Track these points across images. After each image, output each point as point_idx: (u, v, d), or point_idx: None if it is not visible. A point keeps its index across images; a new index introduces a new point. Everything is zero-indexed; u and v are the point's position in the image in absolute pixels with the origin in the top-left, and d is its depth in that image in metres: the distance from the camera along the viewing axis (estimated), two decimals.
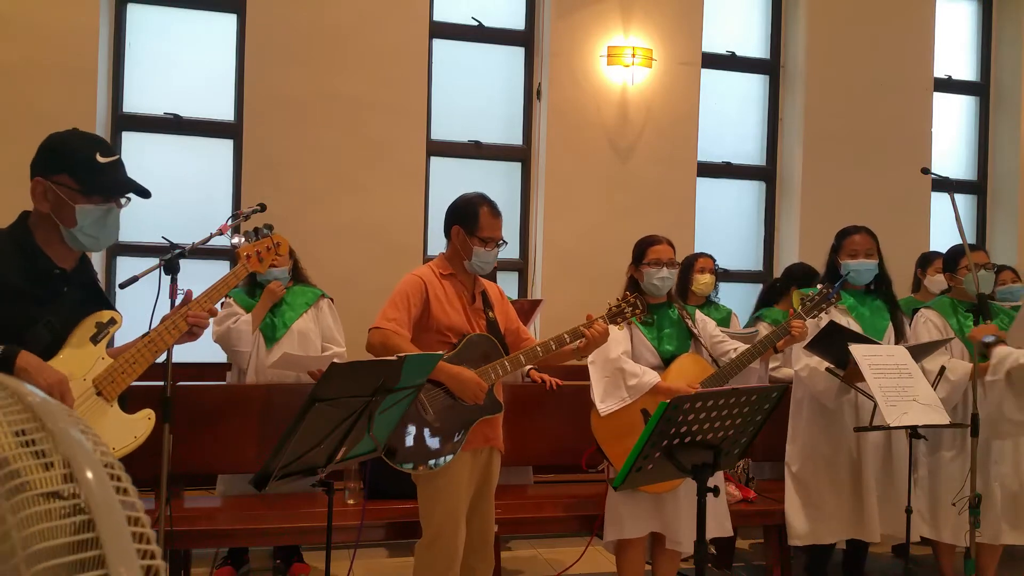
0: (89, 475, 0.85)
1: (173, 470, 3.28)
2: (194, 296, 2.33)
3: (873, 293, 3.85)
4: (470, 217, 3.09)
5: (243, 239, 2.50)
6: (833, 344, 3.43)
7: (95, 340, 2.11)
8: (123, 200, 2.17)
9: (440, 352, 2.88)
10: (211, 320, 2.36)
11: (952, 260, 4.02)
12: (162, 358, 2.39)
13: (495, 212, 3.12)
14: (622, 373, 3.32)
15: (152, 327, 2.29)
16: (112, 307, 2.23)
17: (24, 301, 2.03)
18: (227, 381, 4.28)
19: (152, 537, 0.83)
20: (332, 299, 4.29)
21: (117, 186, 2.13)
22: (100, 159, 2.09)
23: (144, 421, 2.17)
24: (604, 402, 3.33)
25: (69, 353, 2.06)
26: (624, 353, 3.37)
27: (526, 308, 4.63)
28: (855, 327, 3.65)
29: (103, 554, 0.78)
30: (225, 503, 3.90)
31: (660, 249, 3.49)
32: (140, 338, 2.23)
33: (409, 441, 2.94)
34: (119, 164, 2.14)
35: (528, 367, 4.19)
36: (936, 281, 4.61)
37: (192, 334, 2.29)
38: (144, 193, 2.16)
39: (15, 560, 0.83)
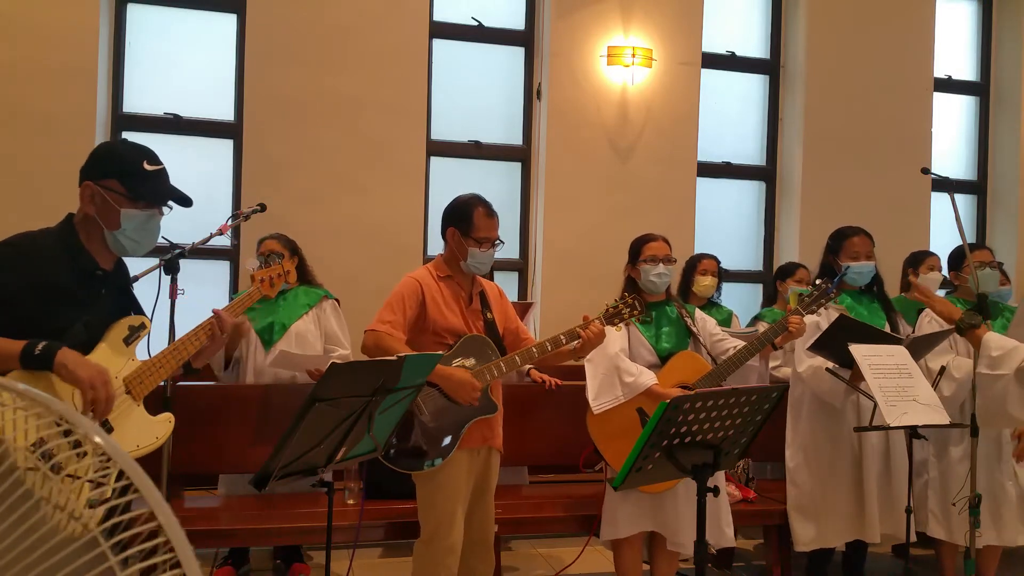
0: (99, 440, 0.97)
1: (173, 470, 3.29)
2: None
3: (868, 293, 3.85)
4: (465, 218, 3.11)
5: (257, 264, 2.69)
6: (838, 343, 3.41)
7: (127, 342, 2.21)
8: (165, 208, 2.26)
9: (439, 352, 2.88)
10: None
11: (957, 259, 4.01)
12: None
13: (490, 212, 3.14)
14: (618, 371, 3.32)
15: (151, 320, 2.38)
16: (143, 312, 2.34)
17: (68, 300, 2.12)
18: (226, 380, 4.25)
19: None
20: (337, 300, 4.26)
21: (162, 193, 2.24)
22: (148, 167, 2.20)
23: (165, 423, 2.25)
24: (597, 399, 3.33)
25: (103, 351, 2.15)
26: (621, 351, 3.37)
27: (518, 311, 4.62)
28: None
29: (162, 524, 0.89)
30: (225, 503, 3.91)
31: (655, 246, 3.49)
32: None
33: (406, 442, 2.95)
34: (164, 173, 2.26)
35: (526, 367, 4.19)
36: (929, 279, 4.53)
37: (214, 340, 2.38)
38: (186, 201, 2.26)
39: (92, 535, 0.96)
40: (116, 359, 2.16)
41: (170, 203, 2.27)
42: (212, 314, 2.39)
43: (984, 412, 2.31)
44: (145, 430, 2.19)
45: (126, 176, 2.17)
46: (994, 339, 2.41)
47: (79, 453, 1.09)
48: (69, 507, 1.12)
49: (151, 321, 2.39)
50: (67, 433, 1.24)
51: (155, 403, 2.38)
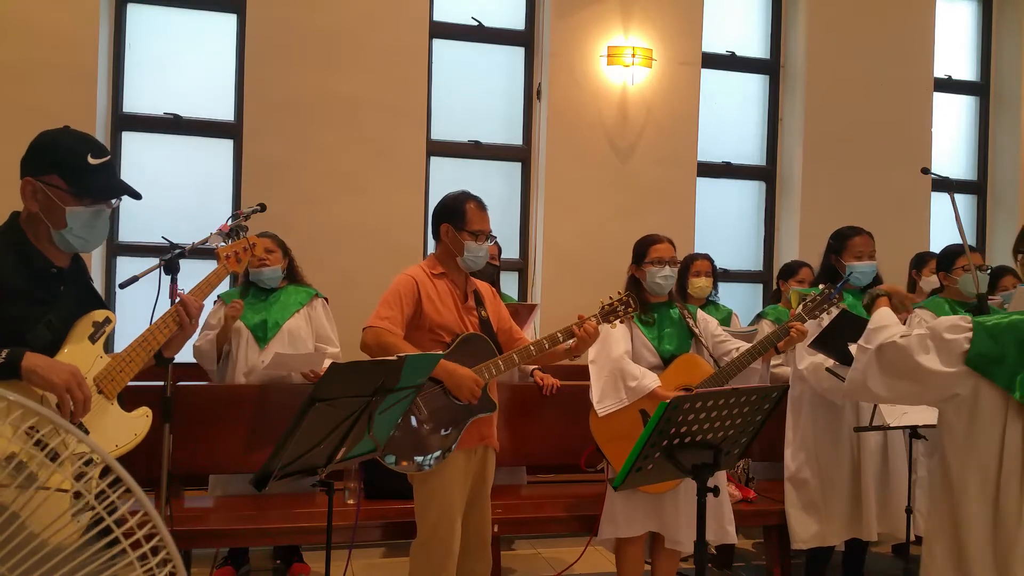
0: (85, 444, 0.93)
1: (173, 470, 3.28)
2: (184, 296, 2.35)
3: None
4: (457, 213, 3.13)
5: (221, 241, 2.56)
6: (838, 341, 3.41)
7: (93, 339, 2.11)
8: (113, 201, 2.15)
9: (439, 352, 2.88)
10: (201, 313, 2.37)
11: (947, 260, 4.01)
12: None
13: (481, 206, 3.17)
14: (622, 374, 3.32)
15: (150, 320, 2.32)
16: (106, 306, 2.22)
17: (24, 301, 2.02)
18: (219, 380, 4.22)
19: None
20: (327, 299, 4.27)
21: (108, 189, 2.11)
22: (91, 160, 2.07)
23: (143, 419, 2.17)
24: (602, 402, 3.33)
25: (69, 351, 2.06)
26: (625, 353, 3.37)
27: (522, 312, 4.63)
28: None
29: None
30: (224, 503, 3.90)
31: (662, 248, 3.50)
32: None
33: (404, 441, 2.95)
34: (110, 165, 2.12)
35: (531, 367, 4.20)
36: (932, 281, 4.56)
37: (182, 328, 2.28)
38: (135, 195, 2.15)
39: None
40: (84, 358, 2.06)
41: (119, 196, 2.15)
42: (177, 299, 2.29)
43: (849, 383, 2.34)
44: (122, 428, 2.11)
45: (69, 172, 2.03)
46: (881, 314, 2.38)
47: (53, 457, 1.07)
48: (42, 519, 1.10)
49: (151, 321, 2.36)
50: (40, 444, 1.23)
51: (154, 403, 2.36)
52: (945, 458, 2.18)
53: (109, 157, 2.12)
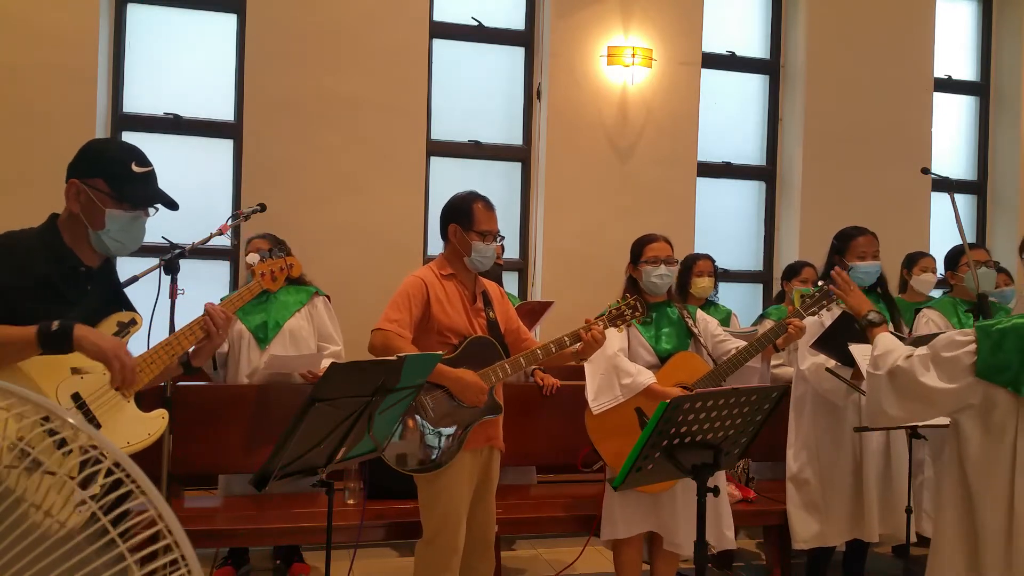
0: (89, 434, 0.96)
1: (173, 470, 3.29)
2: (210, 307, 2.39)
3: (872, 293, 3.85)
4: (465, 213, 3.12)
5: (259, 258, 2.61)
6: (840, 341, 3.41)
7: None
8: (151, 210, 2.23)
9: (440, 352, 2.88)
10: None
11: (953, 259, 4.03)
12: None
13: (489, 206, 3.17)
14: (616, 371, 3.32)
15: (151, 326, 2.34)
16: (133, 308, 2.28)
17: (51, 298, 2.08)
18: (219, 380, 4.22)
19: None
20: (328, 297, 4.26)
21: (148, 196, 2.20)
22: (136, 169, 2.17)
23: (158, 420, 2.20)
24: (597, 400, 3.34)
25: None
26: (620, 351, 3.37)
27: (536, 309, 4.61)
28: None
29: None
30: (225, 503, 3.91)
31: (657, 247, 3.50)
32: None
33: (410, 443, 2.95)
34: (152, 175, 2.22)
35: (531, 368, 4.20)
36: (922, 281, 4.59)
37: (209, 337, 2.33)
38: (172, 205, 2.23)
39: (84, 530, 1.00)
40: None
41: (156, 205, 2.23)
42: (204, 310, 2.33)
43: (867, 410, 2.41)
44: (136, 427, 2.13)
45: (113, 177, 2.14)
46: (883, 340, 2.42)
47: (64, 452, 1.09)
48: (47, 505, 1.11)
49: (151, 321, 2.37)
50: (51, 432, 1.25)
51: (154, 403, 2.36)
52: (961, 465, 2.21)
53: (152, 168, 2.22)
